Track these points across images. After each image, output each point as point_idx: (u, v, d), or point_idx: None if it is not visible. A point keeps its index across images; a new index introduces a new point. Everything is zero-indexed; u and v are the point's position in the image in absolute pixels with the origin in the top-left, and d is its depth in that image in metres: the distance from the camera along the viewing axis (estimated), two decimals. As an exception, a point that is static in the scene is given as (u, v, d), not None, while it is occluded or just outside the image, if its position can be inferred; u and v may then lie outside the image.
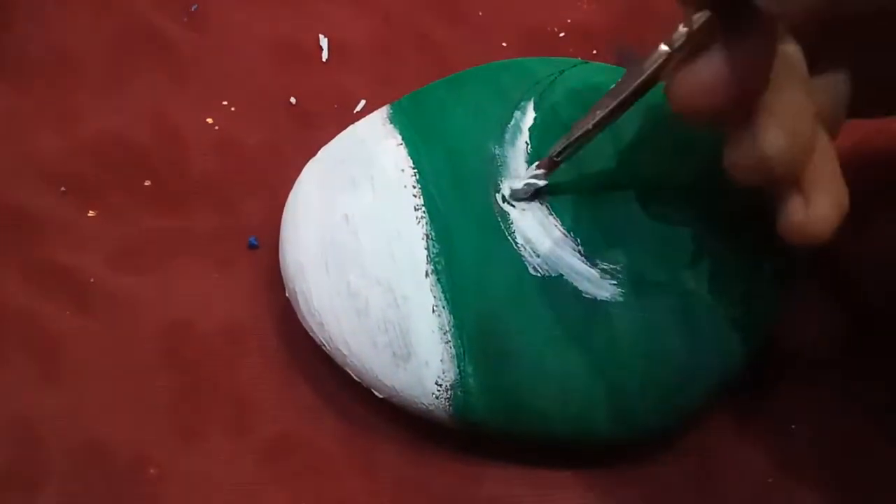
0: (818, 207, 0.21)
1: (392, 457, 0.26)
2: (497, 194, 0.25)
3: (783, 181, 0.21)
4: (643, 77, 0.21)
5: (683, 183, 0.25)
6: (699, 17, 0.20)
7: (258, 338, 0.28)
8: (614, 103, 0.22)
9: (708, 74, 0.20)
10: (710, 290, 0.24)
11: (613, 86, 0.22)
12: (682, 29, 0.20)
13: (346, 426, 0.27)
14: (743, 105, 0.21)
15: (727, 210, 0.25)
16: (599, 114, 0.22)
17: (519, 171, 0.25)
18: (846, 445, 0.27)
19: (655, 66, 0.21)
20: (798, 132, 0.20)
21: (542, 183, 0.24)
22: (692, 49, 0.20)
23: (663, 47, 0.21)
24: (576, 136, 0.23)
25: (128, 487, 0.25)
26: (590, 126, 0.23)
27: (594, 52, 0.33)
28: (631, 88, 0.22)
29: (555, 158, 0.24)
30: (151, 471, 0.26)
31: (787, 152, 0.20)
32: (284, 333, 0.28)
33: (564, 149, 0.24)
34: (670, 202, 0.25)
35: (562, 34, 0.33)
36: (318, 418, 0.27)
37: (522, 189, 0.24)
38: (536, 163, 0.24)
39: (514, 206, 0.25)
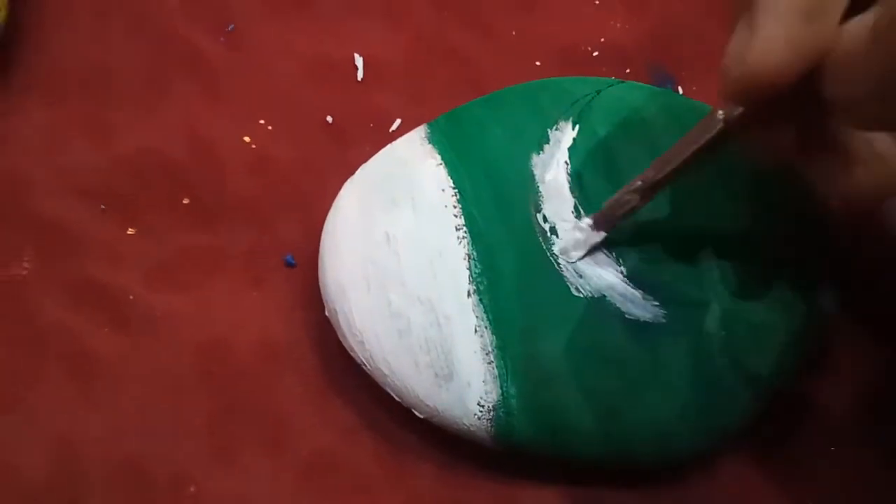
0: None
1: (429, 477, 0.26)
2: (538, 214, 0.25)
3: (877, 206, 0.21)
4: (696, 147, 0.21)
5: (724, 204, 0.25)
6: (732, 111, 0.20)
7: (295, 356, 0.28)
8: (667, 170, 0.22)
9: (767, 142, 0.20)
10: (751, 311, 0.24)
11: (665, 153, 0.22)
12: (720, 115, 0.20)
13: (383, 446, 0.26)
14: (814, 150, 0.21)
15: (769, 230, 0.25)
16: (649, 179, 0.22)
17: (560, 192, 0.25)
18: (889, 467, 0.27)
19: (710, 136, 0.21)
20: (885, 165, 0.20)
21: (598, 239, 0.24)
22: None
23: (719, 115, 0.20)
24: (623, 205, 0.23)
25: (167, 506, 0.25)
26: (640, 192, 0.22)
27: (627, 70, 0.33)
28: (683, 157, 0.22)
29: (608, 219, 0.23)
30: (191, 489, 0.26)
31: (877, 186, 0.20)
32: (322, 352, 0.28)
33: (618, 210, 0.23)
34: (712, 223, 0.25)
35: (595, 53, 0.33)
36: (356, 437, 0.27)
37: (576, 247, 0.24)
38: (590, 219, 0.24)
39: (554, 229, 0.25)
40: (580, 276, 0.24)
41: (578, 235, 0.24)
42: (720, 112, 0.20)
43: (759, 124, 0.21)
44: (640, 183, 0.23)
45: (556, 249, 0.24)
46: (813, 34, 0.18)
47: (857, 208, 0.21)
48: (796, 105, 0.19)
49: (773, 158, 0.21)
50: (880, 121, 0.18)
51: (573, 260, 0.24)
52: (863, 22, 0.17)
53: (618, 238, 0.24)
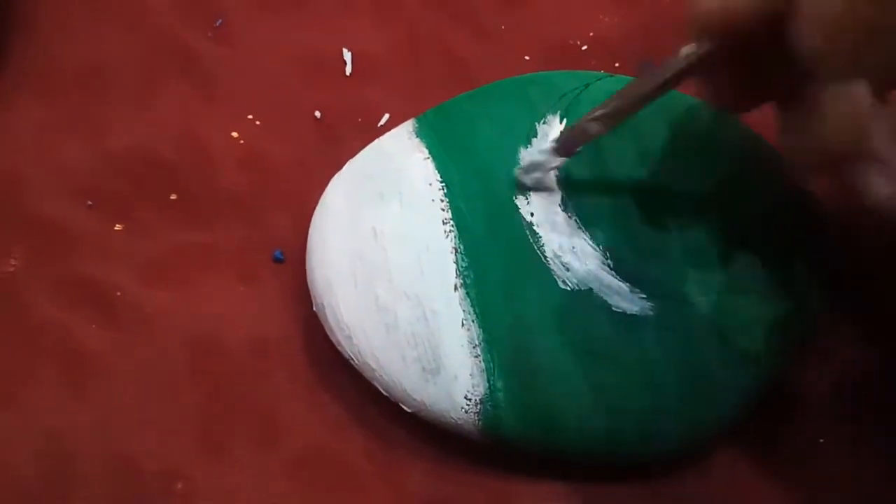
0: None
1: (419, 472, 0.26)
2: (525, 207, 0.25)
3: (846, 159, 0.20)
4: (659, 81, 0.22)
5: (711, 196, 0.25)
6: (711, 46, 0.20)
7: (285, 351, 0.28)
8: (629, 100, 0.22)
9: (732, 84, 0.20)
10: (740, 304, 0.24)
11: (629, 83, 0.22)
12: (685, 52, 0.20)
13: (373, 441, 0.27)
14: (782, 96, 0.20)
15: (758, 222, 0.25)
16: (612, 108, 0.23)
17: (548, 185, 0.25)
18: (878, 461, 0.27)
19: (673, 71, 0.21)
20: (856, 109, 0.19)
21: (556, 164, 0.24)
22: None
23: (683, 52, 0.21)
24: (584, 131, 0.23)
25: (156, 501, 0.25)
26: (603, 113, 0.23)
27: (616, 64, 0.33)
28: (649, 89, 0.22)
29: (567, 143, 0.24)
30: (179, 485, 0.26)
31: (848, 129, 0.19)
32: (311, 347, 0.28)
33: (580, 137, 0.23)
34: (698, 216, 0.25)
35: (584, 47, 0.33)
36: (346, 433, 0.27)
37: (533, 169, 0.24)
38: (552, 142, 0.24)
39: (541, 222, 0.25)
40: (567, 269, 0.24)
41: (539, 158, 0.24)
42: (685, 49, 0.21)
43: (723, 66, 0.21)
44: (602, 111, 0.23)
45: (515, 173, 0.24)
46: None
47: (822, 172, 0.20)
48: (762, 50, 0.20)
49: (734, 104, 0.21)
50: (852, 70, 0.18)
51: (528, 183, 0.24)
52: None
53: (605, 230, 0.24)
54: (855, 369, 0.28)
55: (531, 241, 0.24)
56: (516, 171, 0.25)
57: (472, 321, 0.24)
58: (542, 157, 0.24)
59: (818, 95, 0.20)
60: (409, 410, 0.25)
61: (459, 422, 0.24)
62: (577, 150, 0.24)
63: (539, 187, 0.25)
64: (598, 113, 0.23)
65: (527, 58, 0.33)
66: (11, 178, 0.29)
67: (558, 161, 0.24)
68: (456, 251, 0.24)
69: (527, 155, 0.25)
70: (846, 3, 0.17)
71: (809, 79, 0.20)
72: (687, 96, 0.28)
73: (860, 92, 0.20)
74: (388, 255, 0.25)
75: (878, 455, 0.27)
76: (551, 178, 0.25)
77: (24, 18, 0.32)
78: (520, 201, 0.25)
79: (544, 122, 0.26)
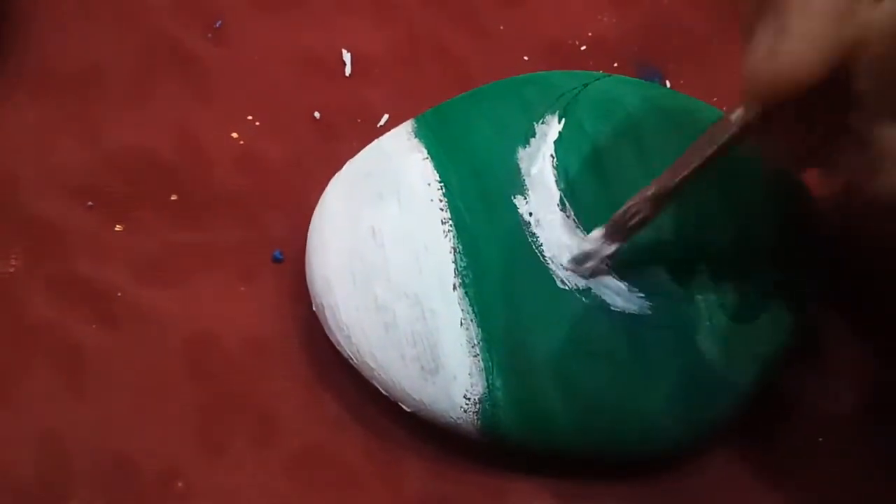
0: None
1: (418, 470, 0.26)
2: (524, 207, 0.25)
3: None
4: (708, 152, 0.21)
5: (710, 196, 0.25)
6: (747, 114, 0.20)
7: (283, 351, 0.28)
8: (679, 177, 0.21)
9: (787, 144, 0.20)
10: (737, 303, 0.24)
11: (680, 157, 0.22)
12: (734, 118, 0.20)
13: (372, 440, 0.27)
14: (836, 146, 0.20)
15: (755, 223, 0.25)
16: (662, 187, 0.22)
17: (546, 185, 0.25)
18: (878, 460, 0.27)
19: (723, 141, 0.21)
20: None
21: (610, 251, 0.23)
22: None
23: (733, 118, 0.20)
24: (635, 214, 0.22)
25: (155, 501, 0.25)
26: (662, 191, 0.22)
27: (615, 64, 0.33)
28: (699, 161, 0.21)
29: (625, 228, 0.23)
30: (179, 484, 0.26)
31: None
32: (310, 346, 0.28)
33: (630, 220, 0.22)
34: (697, 215, 0.25)
35: (583, 47, 0.33)
36: (344, 432, 0.27)
37: (585, 260, 0.24)
38: (602, 230, 0.23)
39: (539, 222, 0.25)
40: (565, 269, 0.24)
41: (587, 247, 0.23)
42: (734, 115, 0.20)
43: (778, 126, 0.20)
44: (653, 191, 0.22)
45: (564, 264, 0.24)
46: (845, 31, 0.18)
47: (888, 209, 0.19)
48: (819, 104, 0.19)
49: (792, 160, 0.21)
50: None
51: (585, 275, 0.24)
52: (891, 8, 0.17)
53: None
54: (854, 369, 0.28)
55: (529, 240, 0.24)
56: (566, 263, 0.24)
57: (471, 320, 0.24)
58: (593, 246, 0.23)
59: (880, 139, 0.19)
60: (407, 410, 0.25)
61: (458, 421, 0.24)
62: (630, 234, 0.23)
63: (596, 274, 0.24)
64: (649, 193, 0.22)
65: (526, 58, 0.33)
66: (10, 178, 0.29)
67: (613, 248, 0.23)
68: (454, 251, 0.24)
69: (574, 246, 0.24)
70: None
71: (866, 124, 0.19)
72: (686, 97, 0.28)
73: None
74: (386, 255, 0.25)
75: (878, 455, 0.27)
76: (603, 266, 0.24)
77: (21, 18, 0.32)
78: (518, 201, 0.25)
79: (542, 122, 0.26)
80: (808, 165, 0.22)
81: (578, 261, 0.24)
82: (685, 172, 0.21)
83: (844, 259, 0.28)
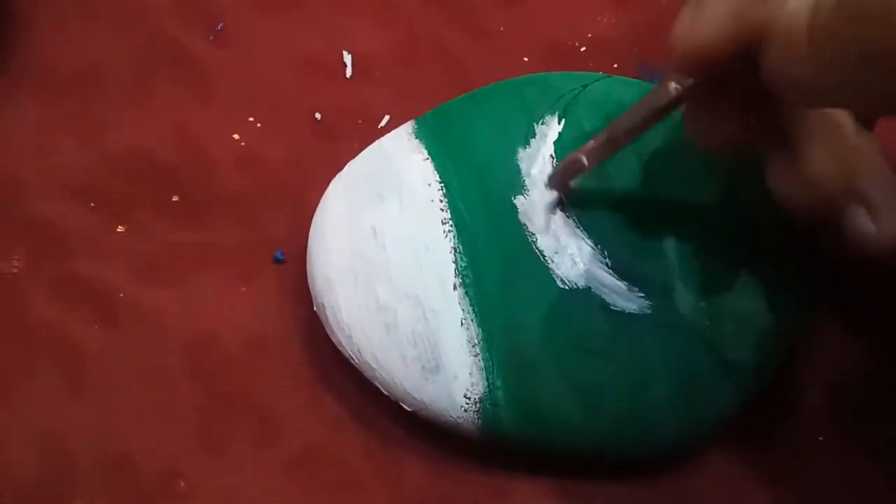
0: (888, 220, 0.20)
1: (418, 470, 0.26)
2: (523, 207, 0.25)
3: (834, 199, 0.20)
4: (644, 115, 0.22)
5: (707, 195, 0.25)
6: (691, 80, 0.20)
7: (284, 351, 0.28)
8: (615, 135, 0.23)
9: (714, 123, 0.20)
10: (737, 302, 0.24)
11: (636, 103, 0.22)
12: (672, 86, 0.20)
13: (372, 439, 0.27)
14: (766, 136, 0.20)
15: (752, 220, 0.25)
16: (598, 143, 0.23)
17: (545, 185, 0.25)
18: (877, 460, 0.27)
19: (659, 105, 0.21)
20: (842, 147, 0.20)
21: (550, 198, 0.25)
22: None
23: (671, 86, 0.21)
24: (572, 165, 0.24)
25: (156, 500, 0.25)
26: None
27: (615, 65, 0.33)
28: (634, 123, 0.22)
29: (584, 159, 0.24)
30: (180, 484, 0.26)
31: (835, 171, 0.20)
32: (310, 346, 0.28)
33: (568, 171, 0.24)
34: (696, 215, 0.25)
35: (583, 48, 0.33)
36: (345, 431, 0.27)
37: (534, 210, 0.25)
38: (548, 179, 0.25)
39: (540, 222, 0.25)
40: (565, 268, 0.24)
41: (535, 198, 0.25)
42: (672, 83, 0.21)
43: (709, 98, 0.21)
44: (591, 144, 0.23)
45: (519, 218, 0.25)
46: (756, 10, 0.18)
47: (809, 207, 0.20)
48: (744, 83, 0.20)
49: (721, 144, 0.21)
50: (826, 99, 0.18)
51: (536, 225, 0.25)
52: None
53: (602, 230, 0.24)
54: (854, 369, 0.28)
55: (529, 240, 0.24)
56: (521, 218, 0.25)
57: (472, 320, 0.24)
58: (537, 197, 0.25)
59: (799, 130, 0.20)
60: (408, 409, 0.25)
61: (459, 420, 0.24)
62: (569, 184, 0.25)
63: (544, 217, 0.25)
64: (589, 146, 0.23)
65: (525, 59, 0.33)
66: (11, 178, 0.30)
67: (551, 196, 0.25)
68: (455, 251, 0.24)
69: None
70: (833, 21, 0.16)
71: (791, 114, 0.20)
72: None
73: (843, 122, 0.20)
74: (387, 255, 0.25)
75: (878, 454, 0.27)
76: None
77: (22, 18, 0.32)
78: (518, 201, 0.25)
79: (542, 123, 0.26)
80: (728, 149, 0.22)
81: (527, 215, 0.25)
82: (621, 131, 0.22)
83: (844, 259, 0.28)
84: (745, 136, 0.21)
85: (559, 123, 0.26)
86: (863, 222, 0.21)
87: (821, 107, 0.20)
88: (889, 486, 0.26)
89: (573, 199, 0.25)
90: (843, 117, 0.20)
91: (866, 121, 0.22)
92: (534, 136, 0.26)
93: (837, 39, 0.16)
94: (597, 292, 0.24)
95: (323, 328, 0.26)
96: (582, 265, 0.24)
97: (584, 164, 0.23)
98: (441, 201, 0.25)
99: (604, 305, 0.24)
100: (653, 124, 0.22)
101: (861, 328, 0.29)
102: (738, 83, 0.20)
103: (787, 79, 0.18)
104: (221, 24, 0.32)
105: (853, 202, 0.21)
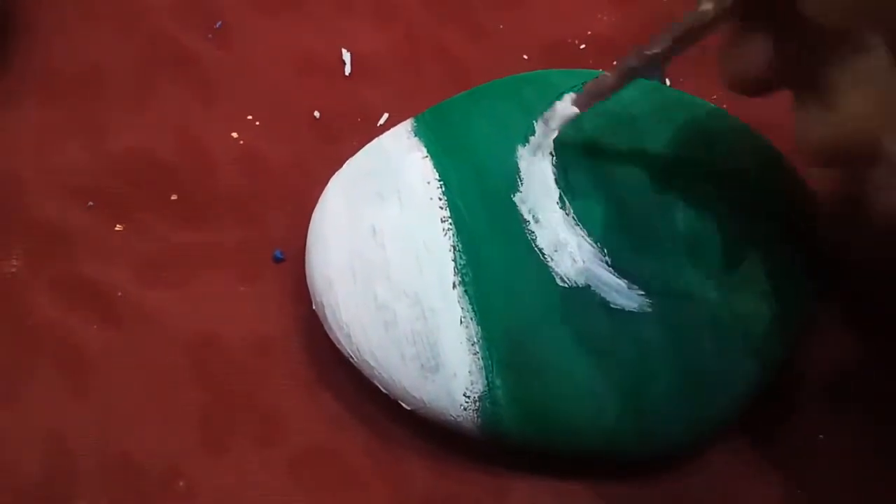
0: None
1: (419, 469, 0.26)
2: (523, 205, 0.25)
3: (866, 151, 0.19)
4: (688, 29, 0.21)
5: (707, 191, 0.25)
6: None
7: (285, 350, 0.28)
8: (648, 54, 0.22)
9: (752, 56, 0.19)
10: (737, 300, 0.24)
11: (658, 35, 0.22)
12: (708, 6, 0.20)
13: (372, 438, 0.27)
14: (797, 76, 0.19)
15: (754, 218, 0.25)
16: (629, 64, 0.22)
17: (545, 183, 0.25)
18: (879, 458, 0.27)
19: (700, 23, 0.20)
20: (880, 88, 0.18)
21: (572, 112, 0.24)
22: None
23: (706, 5, 0.20)
24: (602, 86, 0.23)
25: (157, 500, 0.25)
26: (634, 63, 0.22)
27: (614, 63, 0.33)
28: (673, 38, 0.21)
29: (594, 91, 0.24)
30: (181, 483, 0.26)
31: (869, 112, 0.18)
32: (311, 346, 0.28)
33: (597, 91, 0.24)
34: (696, 211, 0.25)
35: (582, 46, 0.33)
36: (345, 430, 0.27)
37: (552, 119, 0.25)
38: (572, 96, 0.24)
39: (539, 220, 0.25)
40: (565, 266, 0.24)
41: (559, 108, 0.24)
42: (707, 3, 0.20)
43: (744, 27, 0.20)
44: (622, 66, 0.23)
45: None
46: None
47: (837, 156, 0.19)
48: (778, 7, 0.19)
49: (755, 84, 0.20)
50: (865, 25, 0.17)
51: (552, 127, 0.25)
52: None
53: (602, 227, 0.24)
54: (854, 369, 0.28)
55: (529, 238, 0.24)
56: (536, 121, 0.25)
57: (471, 319, 0.24)
58: (561, 108, 0.25)
59: (834, 67, 0.18)
60: (408, 408, 0.25)
61: (458, 419, 0.24)
62: (594, 103, 0.24)
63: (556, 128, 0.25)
64: (623, 67, 0.23)
65: (525, 57, 0.33)
66: (12, 179, 0.30)
67: (574, 111, 0.24)
68: (454, 249, 0.24)
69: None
70: None
71: (827, 49, 0.19)
72: (685, 94, 0.28)
73: (882, 64, 0.18)
74: (386, 254, 0.25)
75: (879, 453, 0.27)
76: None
77: (24, 20, 0.32)
78: (517, 199, 0.25)
79: (541, 121, 0.26)
80: (762, 92, 0.21)
81: (546, 119, 0.25)
82: (654, 50, 0.22)
83: (844, 259, 0.28)
84: (780, 75, 0.20)
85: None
86: (887, 187, 0.19)
87: (849, 26, 0.18)
88: (889, 486, 0.26)
89: (573, 196, 0.25)
90: (881, 59, 0.19)
91: None
92: (533, 133, 0.26)
93: None
94: (597, 290, 0.24)
95: (322, 327, 0.26)
96: (582, 263, 0.24)
97: (615, 85, 0.23)
98: (440, 199, 0.25)
99: (604, 304, 0.24)
100: (684, 50, 0.21)
101: (861, 328, 0.29)
102: (771, 7, 0.19)
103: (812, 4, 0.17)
104: (220, 23, 0.32)
105: (882, 157, 0.19)
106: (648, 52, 0.22)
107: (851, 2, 0.17)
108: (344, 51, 0.32)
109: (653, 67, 0.22)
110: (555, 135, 0.25)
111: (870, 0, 0.16)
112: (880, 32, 0.18)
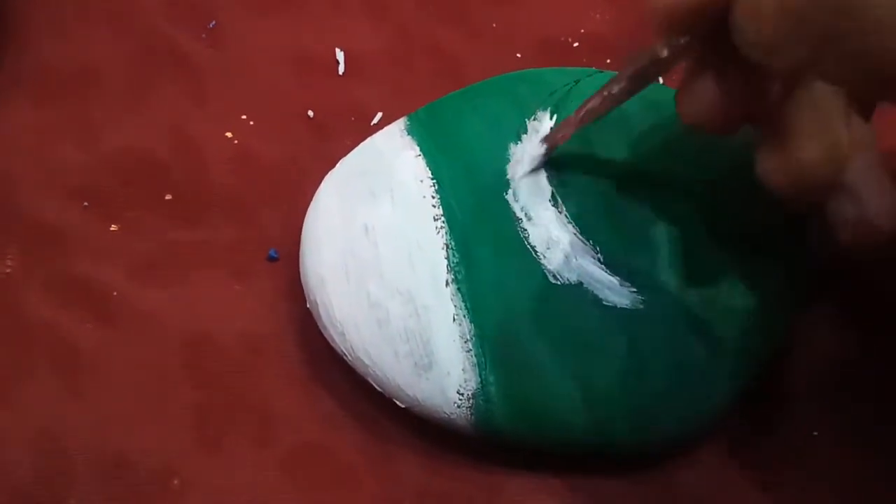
0: (871, 205, 0.20)
1: (413, 466, 0.26)
2: (515, 203, 0.25)
3: (823, 189, 0.20)
4: (636, 70, 0.21)
5: (699, 187, 0.25)
6: (679, 42, 0.20)
7: (279, 349, 0.28)
8: (604, 99, 0.23)
9: (706, 95, 0.20)
10: (730, 295, 0.24)
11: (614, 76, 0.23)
12: (662, 51, 0.20)
13: (367, 436, 0.27)
14: (756, 116, 0.20)
15: (744, 214, 0.25)
16: (598, 100, 0.23)
17: (538, 181, 0.25)
18: (874, 455, 0.27)
19: (647, 63, 0.21)
20: (832, 135, 0.19)
21: (539, 152, 0.25)
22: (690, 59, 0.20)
23: (657, 48, 0.20)
24: (564, 128, 0.24)
25: (152, 499, 0.25)
26: (594, 107, 0.23)
27: (608, 61, 0.33)
28: (627, 80, 0.22)
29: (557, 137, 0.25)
30: (175, 482, 0.26)
31: (825, 159, 0.19)
32: (305, 344, 0.28)
33: (559, 134, 0.24)
34: (687, 208, 0.25)
35: (576, 44, 0.33)
36: (340, 428, 0.27)
37: (521, 164, 0.25)
38: (543, 137, 0.25)
39: (531, 217, 0.25)
40: (557, 264, 0.24)
41: (529, 151, 0.25)
42: (659, 46, 0.20)
43: (699, 69, 0.20)
44: (584, 110, 0.23)
45: (508, 174, 0.25)
46: None
47: (795, 193, 0.20)
48: (728, 51, 0.19)
49: (712, 123, 0.21)
50: (789, 61, 0.17)
51: (518, 175, 0.25)
52: None
53: (594, 225, 0.24)
54: (849, 363, 0.28)
55: (521, 236, 0.24)
56: (509, 168, 0.25)
57: (464, 316, 0.24)
58: (532, 151, 0.25)
59: (788, 112, 0.19)
60: (402, 406, 0.25)
61: (452, 417, 0.24)
62: (557, 145, 0.25)
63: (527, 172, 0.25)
64: (583, 111, 0.23)
65: (518, 55, 0.33)
66: (5, 178, 0.30)
67: (542, 150, 0.25)
68: (447, 247, 0.24)
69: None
70: None
71: (780, 93, 0.19)
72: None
73: (833, 106, 0.19)
74: (379, 252, 0.25)
75: (874, 449, 0.27)
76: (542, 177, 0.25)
77: (17, 20, 0.32)
78: (510, 197, 0.25)
79: (534, 119, 0.26)
80: (722, 130, 0.21)
81: (514, 168, 0.25)
82: (609, 95, 0.22)
83: (843, 259, 0.28)
84: (737, 115, 0.20)
85: (551, 119, 0.26)
86: (844, 208, 0.20)
87: (788, 72, 0.19)
88: (889, 486, 0.26)
89: (565, 194, 0.25)
90: (833, 101, 0.20)
91: (863, 107, 0.21)
92: (526, 131, 0.26)
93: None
94: (589, 287, 0.24)
95: (316, 326, 0.26)
96: (574, 260, 0.24)
97: (569, 131, 0.24)
98: (433, 197, 0.25)
99: (596, 301, 0.24)
100: (642, 88, 0.22)
101: (860, 328, 0.29)
102: (723, 52, 0.19)
103: (749, 36, 0.17)
104: (213, 23, 0.32)
105: (837, 191, 0.20)
106: (606, 94, 0.22)
107: (789, 53, 0.17)
108: (337, 50, 0.32)
109: (612, 107, 0.23)
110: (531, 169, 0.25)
111: (809, 46, 0.16)
112: (829, 82, 0.18)
